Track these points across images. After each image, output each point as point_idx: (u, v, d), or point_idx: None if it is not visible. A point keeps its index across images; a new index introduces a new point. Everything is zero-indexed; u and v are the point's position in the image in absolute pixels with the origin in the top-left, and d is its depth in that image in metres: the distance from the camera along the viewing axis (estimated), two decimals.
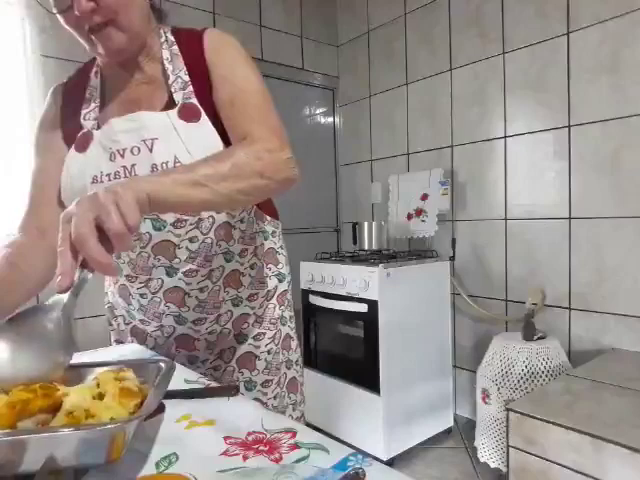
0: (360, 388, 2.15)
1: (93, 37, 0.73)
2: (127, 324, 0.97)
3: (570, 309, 2.06)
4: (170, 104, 0.80)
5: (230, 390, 0.69)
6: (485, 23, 2.30)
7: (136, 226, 0.51)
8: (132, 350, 0.91)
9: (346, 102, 3.08)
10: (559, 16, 2.03)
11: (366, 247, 2.46)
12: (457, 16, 2.42)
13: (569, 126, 2.03)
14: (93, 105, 0.84)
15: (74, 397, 0.50)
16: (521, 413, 1.41)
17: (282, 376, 0.99)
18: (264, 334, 0.96)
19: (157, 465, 0.50)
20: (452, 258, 2.46)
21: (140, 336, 0.95)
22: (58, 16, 0.73)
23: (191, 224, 0.79)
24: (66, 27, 0.74)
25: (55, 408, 0.50)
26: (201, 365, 0.94)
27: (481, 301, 2.38)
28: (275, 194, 0.79)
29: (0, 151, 1.85)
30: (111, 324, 1.01)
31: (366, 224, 2.46)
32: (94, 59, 0.87)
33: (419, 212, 2.48)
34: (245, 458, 0.50)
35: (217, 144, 0.77)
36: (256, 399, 0.93)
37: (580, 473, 1.27)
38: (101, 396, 0.52)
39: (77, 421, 0.47)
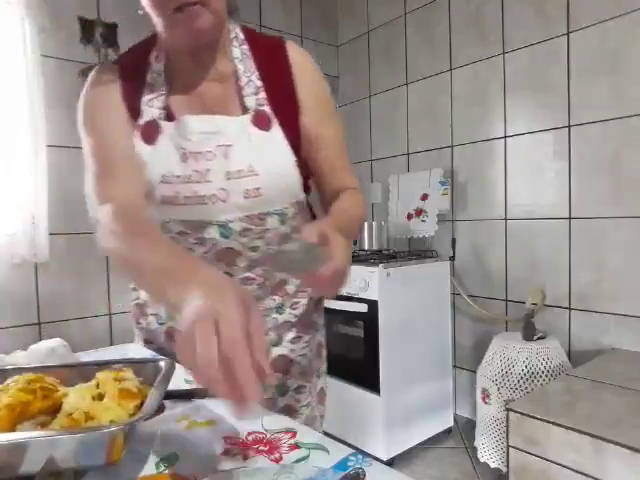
0: (360, 388, 2.15)
1: (179, 15, 0.67)
2: (160, 324, 0.91)
3: (570, 309, 2.06)
4: (242, 108, 0.78)
5: None
6: (485, 23, 2.29)
7: None
8: (133, 350, 0.91)
9: (346, 102, 3.08)
10: (559, 16, 2.03)
11: (366, 247, 2.47)
12: (457, 16, 2.42)
13: (569, 126, 2.03)
14: (157, 92, 0.78)
15: (73, 398, 0.50)
16: (521, 413, 1.41)
17: (313, 385, 0.97)
18: (300, 338, 0.93)
19: (157, 465, 0.50)
20: (452, 258, 2.46)
21: None
22: None
23: (256, 233, 0.79)
24: (143, 2, 0.69)
25: (55, 410, 0.50)
26: None
27: (481, 301, 2.38)
28: None
29: (0, 151, 1.85)
30: (139, 322, 0.95)
31: (366, 224, 2.46)
32: (149, 41, 0.81)
33: (419, 212, 2.48)
34: (245, 458, 0.50)
35: (288, 155, 0.78)
36: (288, 405, 0.91)
37: (580, 473, 1.27)
38: (101, 397, 0.52)
39: (77, 423, 0.47)
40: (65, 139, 2.04)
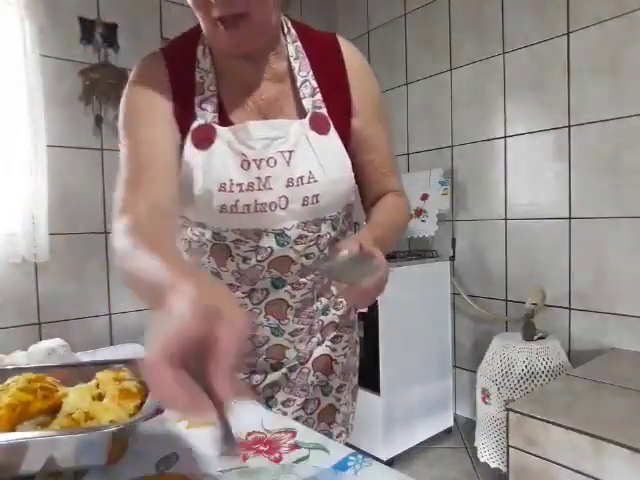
0: (360, 388, 2.14)
1: (220, 25, 0.63)
2: None
3: (570, 309, 2.06)
4: (298, 110, 0.75)
5: None
6: (485, 23, 2.29)
7: None
8: (132, 350, 0.91)
9: None
10: (559, 16, 2.02)
11: None
12: (457, 16, 2.42)
13: (569, 126, 2.03)
14: (209, 93, 0.73)
15: (73, 398, 0.50)
16: (521, 413, 1.41)
17: (350, 382, 0.97)
18: (341, 337, 0.93)
19: (157, 465, 0.50)
20: (452, 258, 2.46)
21: None
22: None
23: (311, 240, 0.78)
24: (189, 2, 0.65)
25: (55, 410, 0.49)
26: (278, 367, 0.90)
27: (481, 301, 2.38)
28: None
29: (0, 151, 1.85)
30: None
31: (366, 224, 2.46)
32: (195, 33, 0.74)
33: (419, 212, 2.48)
34: (245, 458, 0.50)
35: (345, 160, 0.76)
36: (330, 405, 0.91)
37: (580, 473, 1.27)
38: (101, 397, 0.52)
39: (77, 423, 0.47)
40: (65, 139, 2.04)
